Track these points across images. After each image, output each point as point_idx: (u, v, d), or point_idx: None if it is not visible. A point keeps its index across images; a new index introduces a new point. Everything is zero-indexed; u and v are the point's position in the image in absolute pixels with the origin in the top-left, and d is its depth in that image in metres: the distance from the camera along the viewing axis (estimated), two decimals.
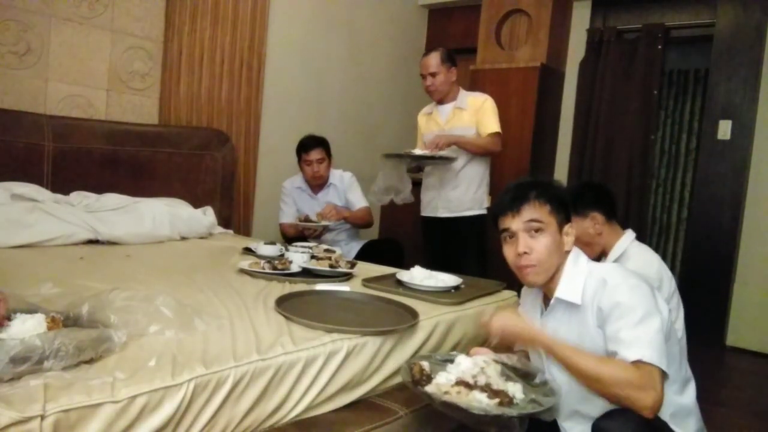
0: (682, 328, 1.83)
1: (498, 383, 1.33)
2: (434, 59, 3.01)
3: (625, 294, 1.29)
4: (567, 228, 1.41)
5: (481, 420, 1.26)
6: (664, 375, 1.22)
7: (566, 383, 1.37)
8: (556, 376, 1.40)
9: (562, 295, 1.39)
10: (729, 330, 3.70)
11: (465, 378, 1.34)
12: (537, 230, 1.39)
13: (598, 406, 1.31)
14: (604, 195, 2.05)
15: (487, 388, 1.31)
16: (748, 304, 3.65)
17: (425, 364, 1.44)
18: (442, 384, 1.34)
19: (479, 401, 1.26)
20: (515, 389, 1.33)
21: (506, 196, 1.43)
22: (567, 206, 1.44)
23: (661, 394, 1.19)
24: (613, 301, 1.29)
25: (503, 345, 1.46)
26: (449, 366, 1.40)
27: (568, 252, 1.42)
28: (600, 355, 1.31)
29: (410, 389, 1.39)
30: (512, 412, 1.26)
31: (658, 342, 1.23)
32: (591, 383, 1.26)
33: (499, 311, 1.39)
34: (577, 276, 1.38)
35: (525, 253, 1.38)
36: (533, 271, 1.40)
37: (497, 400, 1.27)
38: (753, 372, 3.37)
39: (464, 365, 1.37)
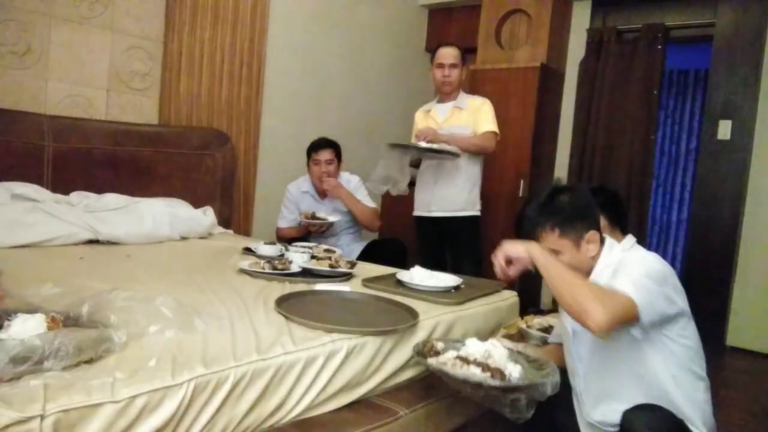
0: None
1: (499, 364, 1.41)
2: (455, 51, 3.06)
3: (633, 262, 1.38)
4: (587, 237, 1.47)
5: (472, 388, 1.36)
6: (631, 307, 1.27)
7: (587, 363, 1.49)
8: (583, 357, 1.52)
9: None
10: (729, 330, 3.70)
11: (467, 356, 1.45)
12: (556, 253, 1.47)
13: (622, 383, 1.41)
14: (609, 201, 2.02)
15: (482, 364, 1.40)
16: (748, 304, 3.64)
17: (439, 343, 1.56)
18: (445, 358, 1.46)
19: (473, 374, 1.36)
20: (514, 369, 1.39)
21: (521, 231, 1.53)
22: (581, 218, 1.48)
23: (613, 315, 1.24)
24: (621, 268, 1.39)
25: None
26: (461, 347, 1.51)
27: (594, 257, 1.48)
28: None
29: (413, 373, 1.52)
30: (495, 381, 1.34)
31: (646, 285, 1.30)
32: (561, 290, 1.32)
33: (503, 243, 1.44)
34: (608, 266, 1.46)
35: None
36: None
37: (489, 373, 1.36)
38: (753, 372, 3.37)
39: (472, 347, 1.47)
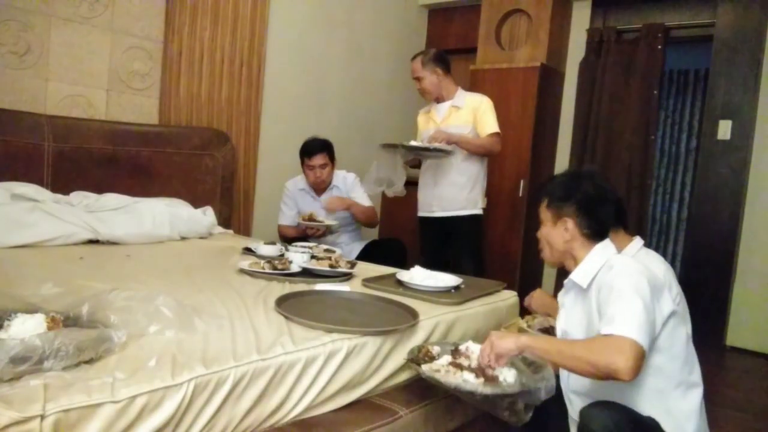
0: (688, 332, 1.81)
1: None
2: (416, 65, 3.07)
3: (620, 278, 1.37)
4: (565, 223, 1.53)
5: (465, 395, 1.37)
6: (640, 348, 1.25)
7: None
8: None
9: (573, 277, 1.52)
10: (729, 330, 3.70)
11: (461, 361, 1.45)
12: (540, 222, 1.60)
13: (602, 384, 1.38)
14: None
15: (476, 370, 1.40)
16: (748, 304, 3.65)
17: (435, 348, 1.56)
18: (438, 364, 1.45)
19: (465, 380, 1.37)
20: (508, 374, 1.40)
21: (538, 192, 1.67)
22: (569, 204, 1.53)
23: (633, 360, 1.23)
24: (609, 284, 1.38)
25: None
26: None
27: (568, 242, 1.52)
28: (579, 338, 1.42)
29: (413, 373, 1.52)
30: (486, 389, 1.34)
31: (638, 320, 1.28)
32: (572, 363, 1.32)
33: (492, 336, 1.44)
34: (594, 264, 1.48)
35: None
36: (542, 254, 1.62)
37: (482, 379, 1.37)
38: (753, 372, 3.37)
39: (468, 350, 1.49)
